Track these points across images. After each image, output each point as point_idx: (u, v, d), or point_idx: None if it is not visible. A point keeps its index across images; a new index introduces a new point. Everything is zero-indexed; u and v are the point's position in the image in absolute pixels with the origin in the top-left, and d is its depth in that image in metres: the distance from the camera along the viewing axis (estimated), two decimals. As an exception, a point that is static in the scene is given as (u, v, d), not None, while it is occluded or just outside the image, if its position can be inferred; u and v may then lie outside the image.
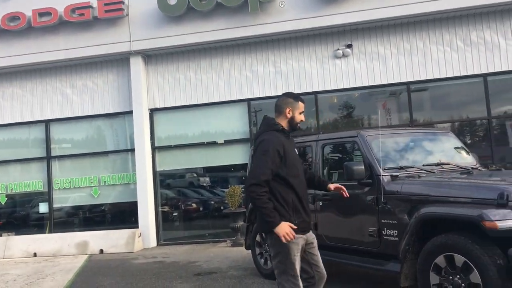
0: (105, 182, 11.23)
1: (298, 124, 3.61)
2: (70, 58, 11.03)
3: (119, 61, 11.25)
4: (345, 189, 4.03)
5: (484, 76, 9.73)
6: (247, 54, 10.73)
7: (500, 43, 9.66)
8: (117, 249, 10.17)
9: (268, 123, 3.57)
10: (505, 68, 9.62)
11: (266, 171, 3.31)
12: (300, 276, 3.45)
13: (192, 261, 8.41)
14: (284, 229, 3.25)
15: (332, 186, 4.02)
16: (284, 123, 3.55)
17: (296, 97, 3.64)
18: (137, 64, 10.92)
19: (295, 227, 3.32)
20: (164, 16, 10.43)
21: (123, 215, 11.41)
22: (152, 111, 11.14)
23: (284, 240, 3.26)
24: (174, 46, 10.64)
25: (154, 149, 11.09)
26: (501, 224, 3.78)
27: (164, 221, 11.15)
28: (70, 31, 10.91)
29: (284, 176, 3.40)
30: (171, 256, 9.11)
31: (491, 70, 9.67)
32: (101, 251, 10.23)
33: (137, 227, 10.59)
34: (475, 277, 3.91)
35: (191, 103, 10.92)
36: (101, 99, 11.37)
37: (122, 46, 10.75)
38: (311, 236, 3.60)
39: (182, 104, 10.98)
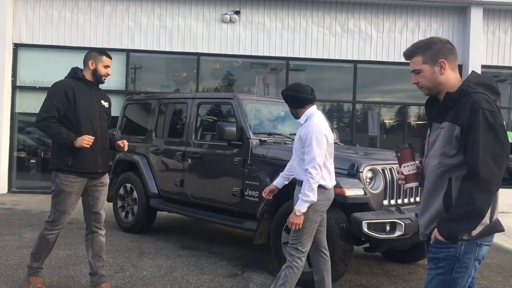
0: (-51, 117, 9.92)
1: (103, 77, 3.87)
2: None
3: (-19, -17, 9.86)
4: (126, 143, 4.03)
5: (355, 62, 10.52)
6: (132, 1, 10.16)
7: (372, 35, 10.49)
8: (-41, 193, 9.16)
9: (70, 72, 3.87)
10: (373, 58, 10.50)
11: (48, 108, 3.67)
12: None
13: (46, 210, 7.85)
14: (82, 139, 3.61)
15: (119, 142, 4.02)
16: (88, 75, 3.85)
17: (102, 51, 3.94)
18: (3, -10, 9.70)
19: (93, 137, 3.66)
20: None
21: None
22: (17, 46, 10.04)
23: (85, 145, 3.60)
24: (50, -22, 9.66)
25: (14, 88, 10.05)
26: (348, 192, 4.18)
27: (19, 168, 10.26)
28: None
29: (69, 118, 3.72)
30: (23, 204, 8.46)
31: (361, 58, 10.48)
32: None
33: (-15, 171, 9.62)
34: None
35: (63, 44, 10.07)
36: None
37: (-13, -34, 9.44)
38: (101, 180, 3.95)
39: (53, 44, 10.07)
